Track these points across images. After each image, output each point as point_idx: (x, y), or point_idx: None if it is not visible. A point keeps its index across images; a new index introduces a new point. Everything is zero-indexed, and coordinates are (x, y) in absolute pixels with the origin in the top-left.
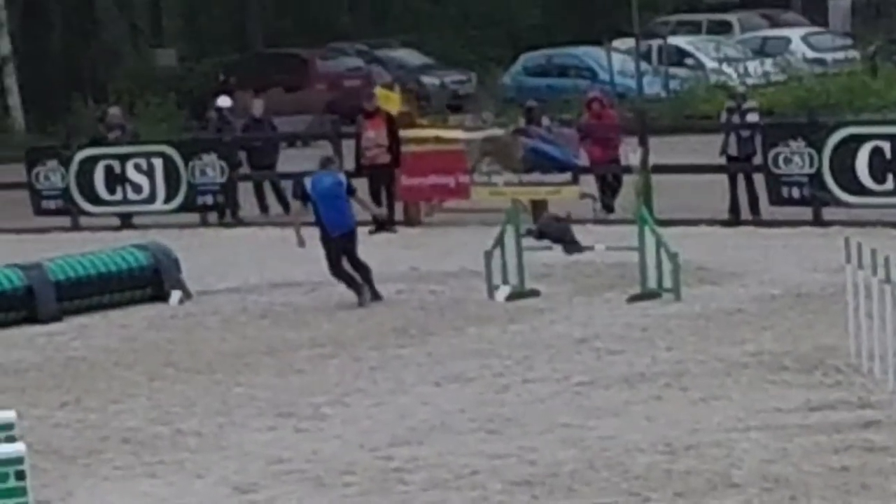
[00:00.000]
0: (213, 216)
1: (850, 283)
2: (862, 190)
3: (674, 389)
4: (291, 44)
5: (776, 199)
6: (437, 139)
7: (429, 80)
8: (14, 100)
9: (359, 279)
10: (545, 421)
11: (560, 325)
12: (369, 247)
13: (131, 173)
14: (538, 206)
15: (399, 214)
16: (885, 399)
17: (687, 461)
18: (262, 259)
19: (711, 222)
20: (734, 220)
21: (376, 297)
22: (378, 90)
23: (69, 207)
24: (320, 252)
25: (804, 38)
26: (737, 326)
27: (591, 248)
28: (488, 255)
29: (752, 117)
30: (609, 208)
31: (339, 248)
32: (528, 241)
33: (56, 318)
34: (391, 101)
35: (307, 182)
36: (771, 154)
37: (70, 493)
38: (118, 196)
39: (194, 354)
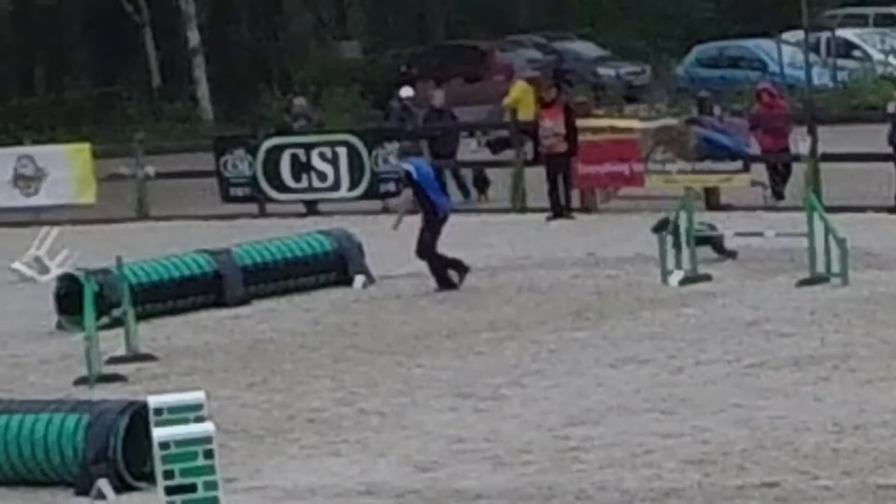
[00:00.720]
0: (395, 203)
1: None
2: None
3: (841, 371)
4: (471, 36)
5: None
6: (613, 129)
7: (605, 71)
8: (203, 91)
9: (442, 268)
10: (717, 401)
11: (731, 308)
12: (546, 234)
13: (316, 162)
14: (710, 194)
15: (576, 201)
16: None
17: (854, 440)
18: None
19: (878, 209)
20: None
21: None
22: (519, 84)
23: (256, 195)
24: (498, 238)
25: None
26: None
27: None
28: (662, 241)
29: None
30: (779, 195)
31: (439, 230)
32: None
33: (243, 301)
34: (526, 97)
35: (411, 169)
36: None
37: (257, 471)
38: (303, 184)
39: (377, 337)
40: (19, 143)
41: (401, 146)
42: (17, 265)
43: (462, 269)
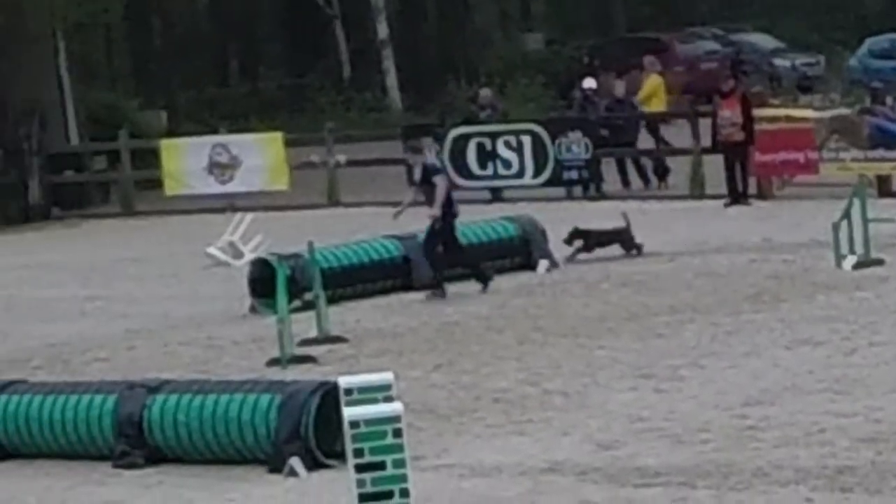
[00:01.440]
0: (577, 190)
1: None
2: None
3: None
4: (652, 28)
5: None
6: (788, 118)
7: (780, 62)
8: (392, 81)
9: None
10: (890, 382)
11: None
12: (724, 219)
13: (501, 150)
14: (883, 181)
15: (753, 188)
16: None
17: None
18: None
19: None
20: None
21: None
22: (652, 78)
23: None
24: (677, 224)
25: None
26: None
27: None
28: (836, 227)
29: None
30: None
31: (450, 229)
32: (873, 214)
33: (431, 285)
34: (659, 91)
35: (438, 162)
36: None
37: (444, 450)
38: (489, 171)
39: (560, 319)
40: (215, 132)
41: (414, 144)
42: (212, 250)
43: (442, 287)
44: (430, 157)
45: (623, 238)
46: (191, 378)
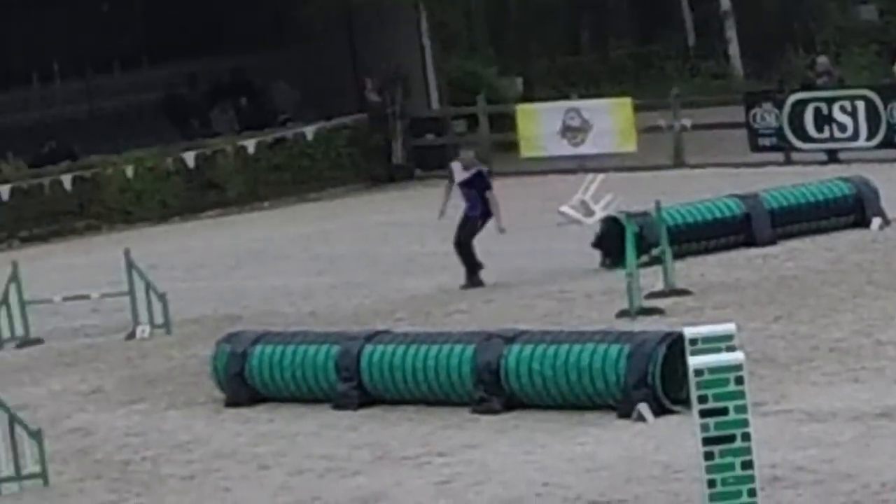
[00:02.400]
0: None
1: None
2: None
3: None
4: None
5: None
6: None
7: None
8: (734, 49)
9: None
10: None
11: None
12: None
13: (837, 114)
14: None
15: None
16: None
17: None
18: None
19: None
20: None
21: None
22: None
23: (782, 144)
24: None
25: None
26: None
27: None
28: None
29: None
30: None
31: (481, 228)
32: None
33: (771, 242)
34: None
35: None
36: None
37: (783, 396)
38: (825, 134)
39: (892, 274)
40: (566, 97)
41: (463, 155)
42: (565, 209)
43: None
44: (481, 167)
45: None
46: (544, 329)
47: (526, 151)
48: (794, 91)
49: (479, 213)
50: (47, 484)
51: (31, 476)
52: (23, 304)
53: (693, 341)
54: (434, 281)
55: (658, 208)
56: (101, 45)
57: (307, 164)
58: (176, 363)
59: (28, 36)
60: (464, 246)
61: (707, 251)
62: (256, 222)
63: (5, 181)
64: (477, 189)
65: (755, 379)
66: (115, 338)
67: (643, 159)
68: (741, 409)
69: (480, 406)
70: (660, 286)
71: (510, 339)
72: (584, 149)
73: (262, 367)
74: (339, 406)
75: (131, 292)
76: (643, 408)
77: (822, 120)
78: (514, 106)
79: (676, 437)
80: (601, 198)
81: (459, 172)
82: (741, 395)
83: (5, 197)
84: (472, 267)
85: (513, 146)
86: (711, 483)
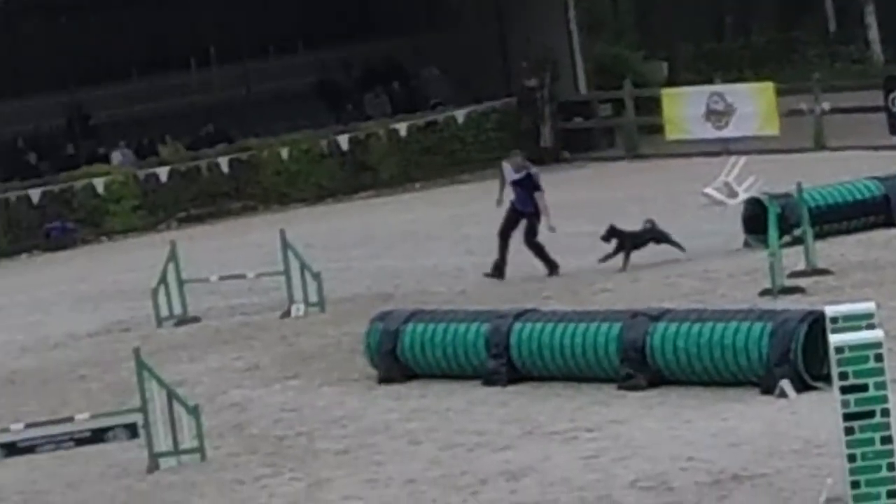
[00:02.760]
0: None
1: None
2: None
3: None
4: None
5: None
6: None
7: None
8: (874, 35)
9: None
10: None
11: None
12: None
13: None
14: None
15: None
16: None
17: None
18: None
19: None
20: None
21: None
22: None
23: None
24: None
25: None
26: None
27: None
28: None
29: None
30: None
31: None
32: None
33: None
34: None
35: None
36: None
37: None
38: None
39: None
40: (710, 82)
41: (510, 161)
42: (709, 190)
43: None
44: (533, 170)
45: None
46: (689, 307)
47: (671, 134)
48: None
49: (530, 209)
50: (204, 458)
51: (189, 451)
52: (181, 284)
53: (834, 319)
54: (581, 260)
55: (799, 190)
56: (256, 30)
57: (457, 146)
58: (330, 341)
59: (186, 23)
60: (532, 246)
61: (847, 231)
62: (408, 204)
63: (164, 163)
64: (526, 189)
65: (894, 356)
66: (271, 316)
67: (785, 142)
68: (881, 385)
69: (626, 382)
70: (801, 266)
71: (656, 317)
72: (727, 132)
73: (413, 344)
74: (488, 382)
75: (286, 271)
76: (785, 384)
77: None
78: (660, 90)
79: (817, 413)
80: (744, 180)
81: (510, 173)
82: (881, 371)
83: (164, 179)
84: (546, 260)
85: (658, 129)
86: (851, 458)
